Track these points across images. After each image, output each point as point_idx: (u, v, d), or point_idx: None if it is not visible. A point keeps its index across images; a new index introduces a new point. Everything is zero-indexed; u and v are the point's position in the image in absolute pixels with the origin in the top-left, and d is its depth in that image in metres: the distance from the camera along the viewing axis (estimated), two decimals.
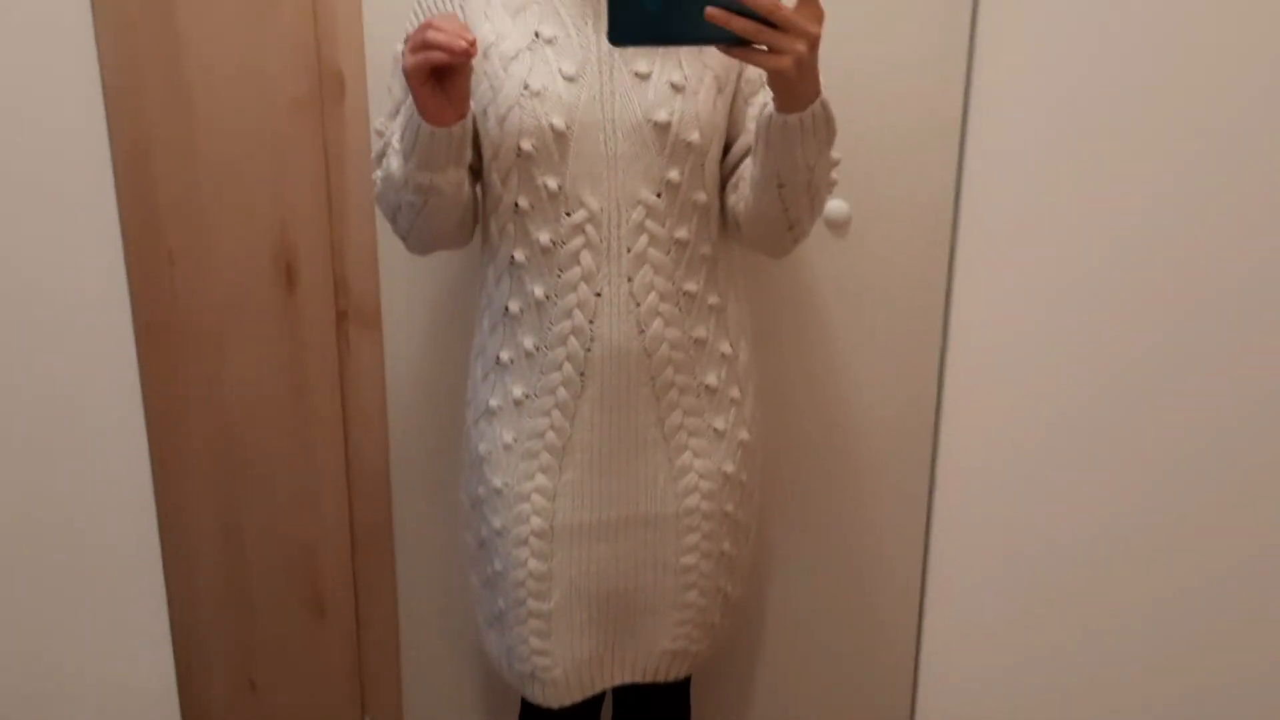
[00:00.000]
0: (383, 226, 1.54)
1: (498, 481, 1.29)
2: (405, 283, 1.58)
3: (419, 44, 1.06)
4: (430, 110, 1.10)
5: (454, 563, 1.65)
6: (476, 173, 1.27)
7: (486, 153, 1.23)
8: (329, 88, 1.50)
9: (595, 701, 1.38)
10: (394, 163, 1.19)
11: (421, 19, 1.24)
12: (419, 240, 1.27)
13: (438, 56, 1.05)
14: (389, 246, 1.55)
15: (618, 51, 1.19)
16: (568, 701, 1.33)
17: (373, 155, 1.30)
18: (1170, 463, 1.53)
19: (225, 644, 1.67)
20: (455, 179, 1.18)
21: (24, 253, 1.46)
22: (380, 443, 1.64)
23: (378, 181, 1.25)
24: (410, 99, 1.12)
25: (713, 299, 1.28)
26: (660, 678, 1.36)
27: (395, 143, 1.19)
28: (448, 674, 1.75)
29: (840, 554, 1.68)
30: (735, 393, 1.32)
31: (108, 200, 1.47)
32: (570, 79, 1.18)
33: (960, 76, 1.47)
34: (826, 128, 1.10)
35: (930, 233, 1.54)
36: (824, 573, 1.69)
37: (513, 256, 1.24)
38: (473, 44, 1.06)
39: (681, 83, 1.19)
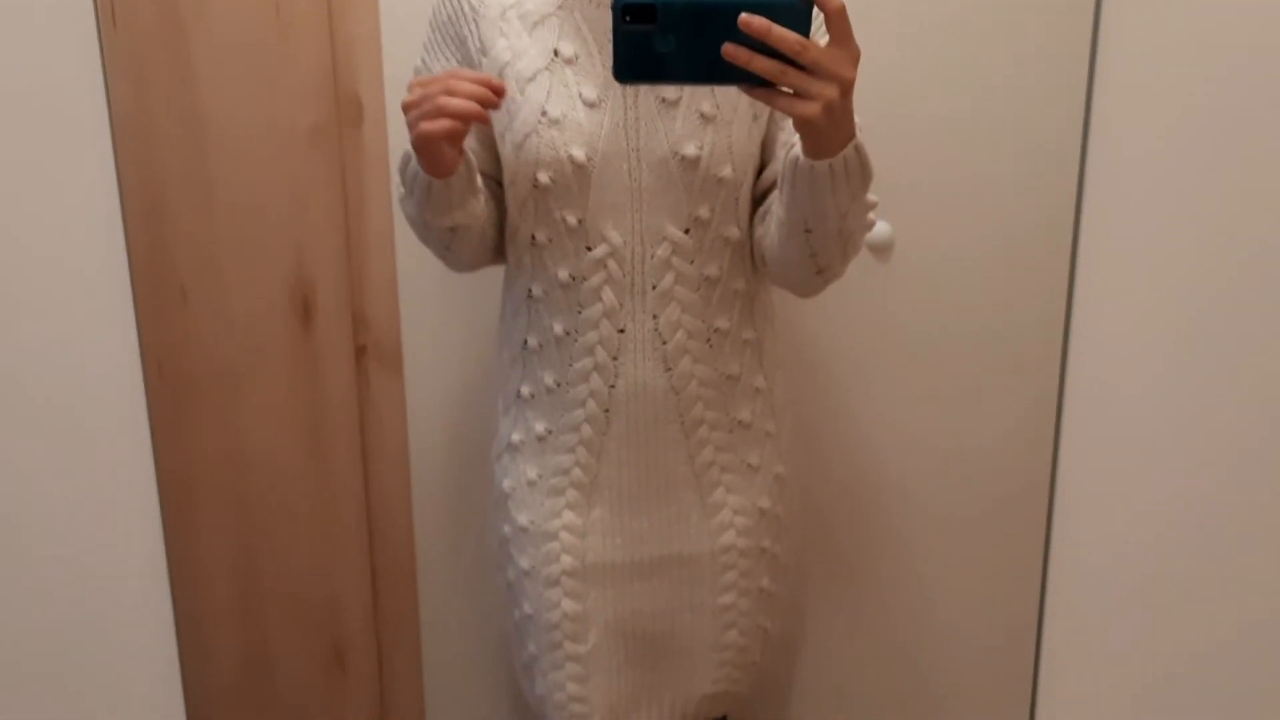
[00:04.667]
0: (404, 258, 1.48)
1: (523, 519, 1.22)
2: (428, 316, 1.51)
3: (434, 110, 0.97)
4: (439, 168, 1.03)
5: (479, 608, 1.58)
6: (500, 182, 1.19)
7: (504, 176, 1.15)
8: (347, 114, 1.44)
9: None
10: (408, 208, 1.12)
11: (437, 40, 1.16)
12: (458, 264, 1.20)
13: (455, 126, 0.97)
14: (410, 279, 1.49)
15: None
16: None
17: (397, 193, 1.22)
18: None
19: (243, 703, 1.60)
20: (475, 209, 1.11)
21: (27, 287, 1.40)
22: (402, 484, 1.57)
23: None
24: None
25: (747, 334, 1.20)
26: None
27: (399, 187, 1.12)
28: None
29: (876, 598, 1.60)
30: (770, 427, 1.24)
31: (115, 234, 1.40)
32: (591, 104, 1.09)
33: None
34: (861, 173, 0.97)
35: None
36: (865, 621, 1.61)
37: (530, 290, 1.17)
38: (500, 91, 0.98)
39: (713, 112, 1.09)
